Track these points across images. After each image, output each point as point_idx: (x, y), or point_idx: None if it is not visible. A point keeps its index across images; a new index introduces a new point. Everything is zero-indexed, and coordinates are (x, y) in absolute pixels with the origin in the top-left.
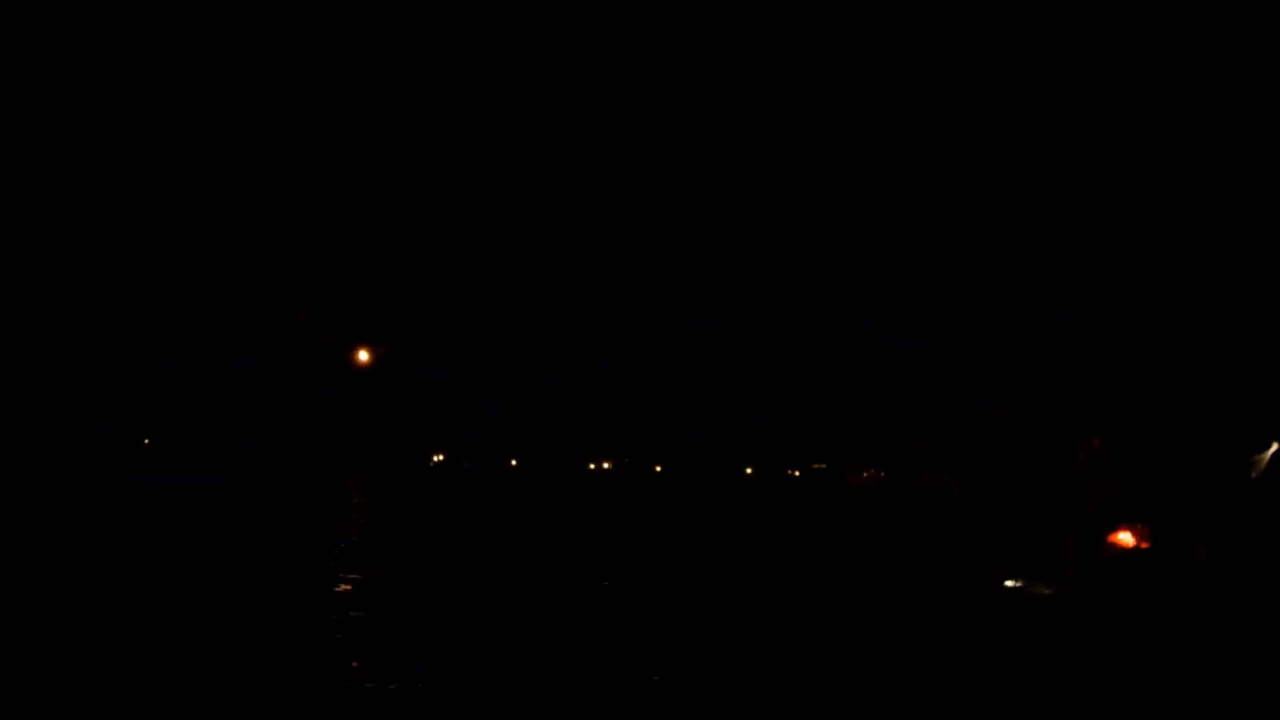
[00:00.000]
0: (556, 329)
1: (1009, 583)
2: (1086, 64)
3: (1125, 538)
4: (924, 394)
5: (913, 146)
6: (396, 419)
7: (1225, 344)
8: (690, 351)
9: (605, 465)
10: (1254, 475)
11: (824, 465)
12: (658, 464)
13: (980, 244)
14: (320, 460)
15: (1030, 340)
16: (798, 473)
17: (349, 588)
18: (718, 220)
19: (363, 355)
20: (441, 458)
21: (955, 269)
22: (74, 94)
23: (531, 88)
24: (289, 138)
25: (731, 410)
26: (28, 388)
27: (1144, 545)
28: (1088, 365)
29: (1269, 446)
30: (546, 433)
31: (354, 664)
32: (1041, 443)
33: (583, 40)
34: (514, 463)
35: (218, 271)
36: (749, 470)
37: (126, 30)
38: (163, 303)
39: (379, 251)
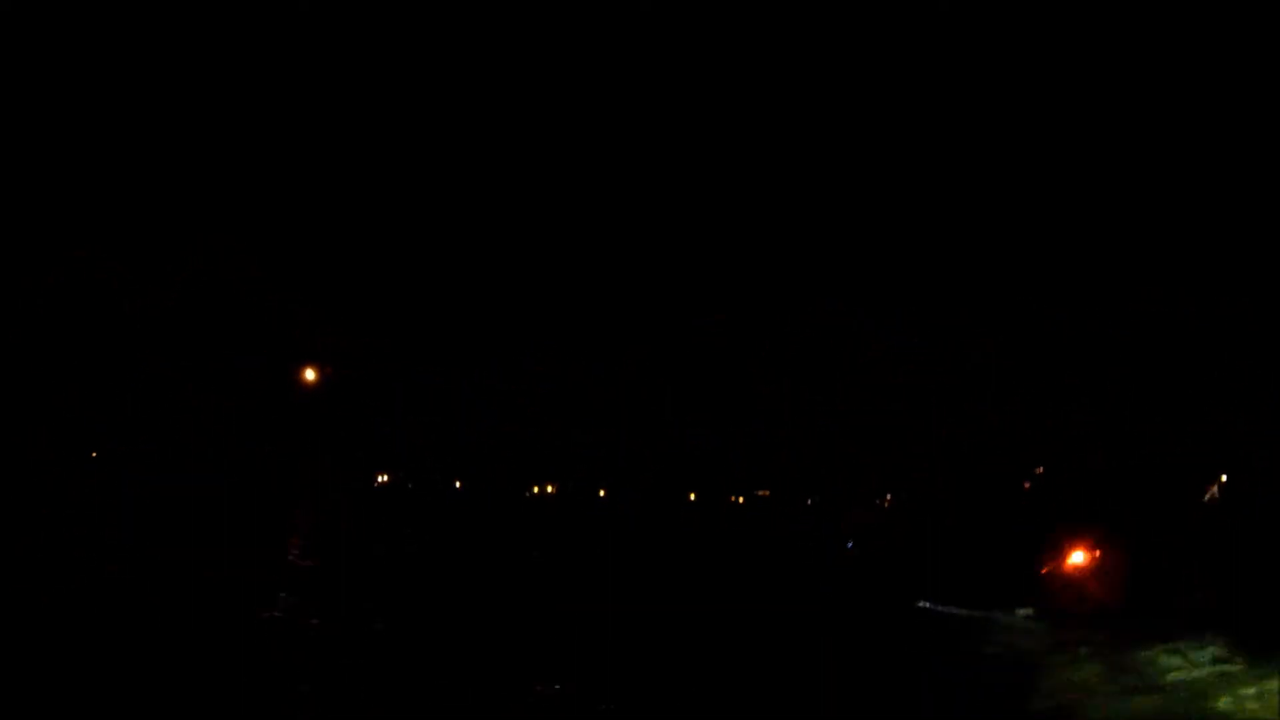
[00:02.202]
0: (552, 332)
1: (922, 604)
2: (1086, 64)
3: (1078, 558)
4: (920, 397)
5: (912, 147)
6: (346, 434)
7: (1225, 344)
8: (687, 353)
9: (550, 489)
10: (1205, 500)
11: (768, 492)
12: (602, 489)
13: (980, 244)
14: (320, 459)
15: (1030, 340)
16: (741, 499)
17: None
18: (717, 220)
19: (309, 374)
20: (386, 479)
21: (955, 269)
22: (74, 94)
23: (528, 94)
24: (288, 139)
25: (726, 414)
26: (28, 388)
27: (1096, 561)
28: (1088, 365)
29: (1218, 478)
30: (529, 442)
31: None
32: (1029, 455)
33: (578, 46)
34: (458, 485)
35: (218, 271)
36: (692, 496)
37: (127, 30)
38: (163, 303)
39: (376, 253)
